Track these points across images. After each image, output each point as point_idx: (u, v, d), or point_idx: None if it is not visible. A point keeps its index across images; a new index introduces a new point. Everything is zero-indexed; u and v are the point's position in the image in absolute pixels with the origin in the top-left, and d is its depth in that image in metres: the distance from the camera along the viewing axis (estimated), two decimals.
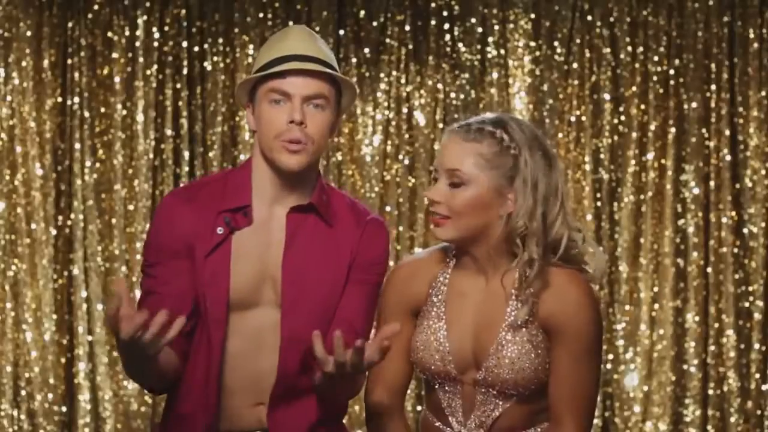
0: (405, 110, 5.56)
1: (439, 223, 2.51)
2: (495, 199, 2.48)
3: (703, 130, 5.53)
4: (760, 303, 5.50)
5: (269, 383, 2.72)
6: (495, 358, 2.50)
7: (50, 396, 5.47)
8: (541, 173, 2.48)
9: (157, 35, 5.50)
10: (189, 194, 2.72)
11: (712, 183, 5.51)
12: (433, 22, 5.54)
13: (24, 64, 5.45)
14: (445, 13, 5.54)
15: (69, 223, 5.50)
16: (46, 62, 5.47)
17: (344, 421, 2.88)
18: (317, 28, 5.38)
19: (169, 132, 5.51)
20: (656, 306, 5.52)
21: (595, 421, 5.48)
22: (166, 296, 2.67)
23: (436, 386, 2.61)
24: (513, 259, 2.53)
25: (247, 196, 2.69)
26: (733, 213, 5.51)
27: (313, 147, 2.64)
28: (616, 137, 5.54)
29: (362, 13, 5.55)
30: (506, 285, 2.54)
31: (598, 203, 5.55)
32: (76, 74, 5.48)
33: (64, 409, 5.49)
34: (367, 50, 5.54)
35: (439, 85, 5.55)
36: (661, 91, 5.53)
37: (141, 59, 5.48)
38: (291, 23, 5.48)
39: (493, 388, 2.52)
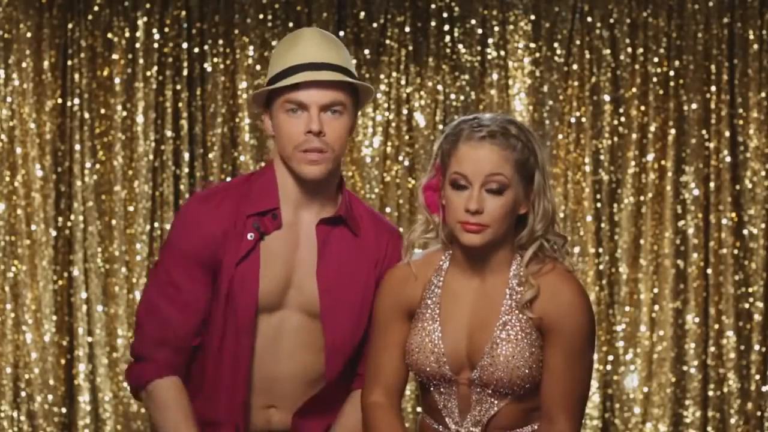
0: (405, 111, 5.56)
1: (478, 230, 2.49)
2: (523, 200, 2.53)
3: (703, 132, 5.53)
4: (760, 304, 5.49)
5: (283, 386, 2.75)
6: (489, 357, 2.51)
7: (50, 397, 5.47)
8: (547, 166, 2.55)
9: (157, 36, 5.50)
10: (215, 200, 2.71)
11: (712, 184, 5.51)
12: (433, 24, 5.54)
13: (24, 65, 5.45)
14: (445, 15, 5.54)
15: (69, 224, 5.50)
16: (46, 63, 5.47)
17: None
18: (312, 27, 5.37)
19: (169, 133, 5.51)
20: (656, 307, 5.52)
21: (595, 422, 5.48)
22: (184, 308, 2.68)
23: (431, 388, 2.62)
24: (512, 257, 2.55)
25: (275, 199, 2.70)
26: (733, 214, 5.51)
27: (333, 154, 2.65)
28: (616, 138, 5.55)
29: (362, 14, 5.55)
30: (502, 284, 2.55)
31: (598, 204, 5.55)
32: (76, 75, 5.48)
33: (64, 410, 5.49)
34: (367, 51, 5.54)
35: (439, 87, 5.55)
36: (660, 92, 5.53)
37: (141, 60, 5.48)
38: (291, 25, 5.48)
39: (488, 388, 2.54)
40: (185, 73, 5.52)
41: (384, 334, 2.65)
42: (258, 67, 5.49)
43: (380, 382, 2.65)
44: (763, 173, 5.49)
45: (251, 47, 5.51)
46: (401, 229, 5.38)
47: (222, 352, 2.71)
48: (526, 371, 2.51)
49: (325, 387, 2.76)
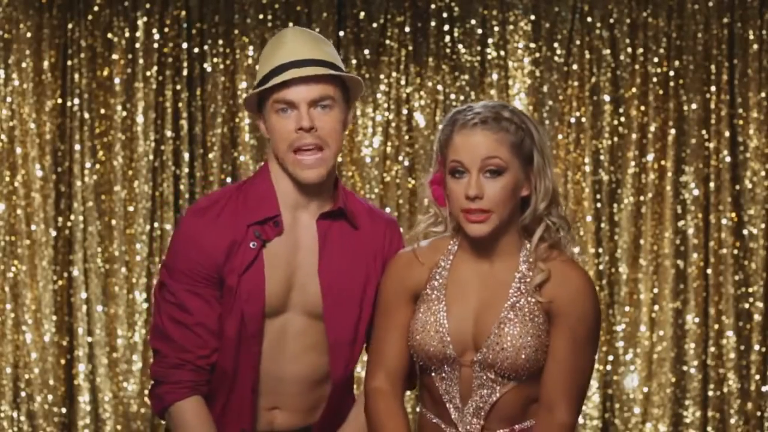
0: (405, 111, 5.56)
1: (482, 219, 2.51)
2: (524, 181, 2.55)
3: (703, 132, 5.53)
4: (759, 304, 5.50)
5: (287, 388, 2.76)
6: (496, 336, 2.52)
7: (50, 397, 5.47)
8: (546, 146, 2.57)
9: (157, 37, 5.50)
10: (213, 212, 2.69)
11: (711, 184, 5.51)
12: (432, 24, 5.54)
13: (24, 65, 5.45)
14: (444, 15, 5.54)
15: (69, 224, 5.50)
16: (46, 64, 5.47)
17: None
18: (317, 30, 5.38)
19: (169, 133, 5.52)
20: (656, 307, 5.52)
21: (595, 422, 5.48)
22: (196, 327, 2.68)
23: (433, 373, 2.62)
24: (521, 241, 2.57)
25: (275, 205, 2.69)
26: (733, 214, 5.51)
27: (328, 152, 2.64)
28: (616, 138, 5.55)
29: (362, 14, 5.55)
30: (511, 268, 2.57)
31: (598, 204, 5.55)
32: (76, 76, 5.48)
33: (63, 410, 5.49)
34: (366, 51, 5.54)
35: (439, 87, 5.55)
36: (660, 92, 5.53)
37: (141, 61, 5.48)
38: (291, 25, 5.48)
39: (492, 370, 2.54)
40: (185, 73, 5.52)
41: (388, 317, 2.65)
42: (257, 67, 5.48)
43: (383, 367, 2.64)
44: (763, 173, 5.49)
45: (251, 47, 5.51)
46: (401, 229, 5.38)
47: (230, 359, 2.71)
48: (532, 353, 2.52)
49: (335, 391, 2.76)
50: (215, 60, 5.52)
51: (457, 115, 2.57)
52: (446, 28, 5.55)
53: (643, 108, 5.54)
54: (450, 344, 2.56)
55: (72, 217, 5.49)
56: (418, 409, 5.33)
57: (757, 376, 5.49)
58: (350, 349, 2.75)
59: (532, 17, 5.53)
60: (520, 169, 2.53)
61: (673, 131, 5.53)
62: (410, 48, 5.55)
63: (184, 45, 5.52)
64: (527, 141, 2.53)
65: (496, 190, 2.50)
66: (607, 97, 5.53)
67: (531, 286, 2.54)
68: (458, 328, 2.56)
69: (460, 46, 5.54)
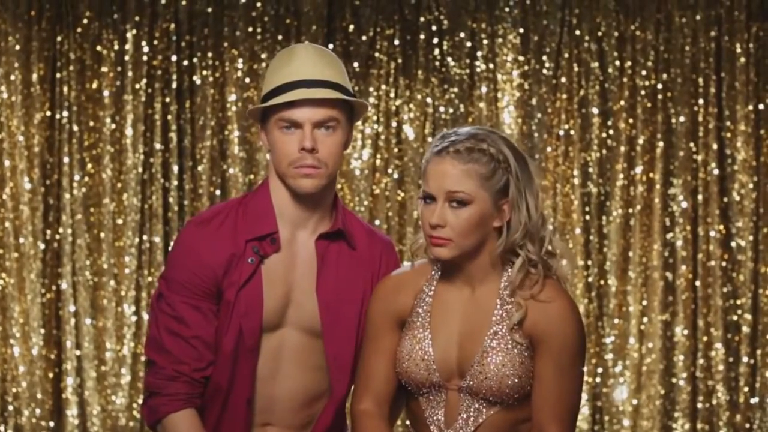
0: (394, 124, 5.57)
1: (442, 244, 2.52)
2: (494, 212, 2.53)
3: (691, 144, 5.55)
4: (748, 316, 5.51)
5: (281, 406, 2.75)
6: (480, 366, 2.52)
7: (38, 411, 5.44)
8: (527, 179, 2.53)
9: (146, 49, 5.50)
10: (213, 225, 2.69)
11: (700, 197, 5.53)
12: (422, 37, 5.55)
13: (12, 77, 5.44)
14: (434, 28, 5.56)
15: (57, 237, 5.48)
16: (34, 76, 5.46)
17: None
18: (306, 43, 5.38)
19: (158, 146, 5.51)
20: (645, 319, 5.53)
21: None
22: (192, 340, 2.68)
23: (420, 397, 2.62)
24: (501, 268, 2.56)
25: (273, 222, 2.69)
26: (721, 227, 5.53)
27: (326, 171, 2.65)
28: (604, 151, 5.57)
29: (351, 27, 5.56)
30: (492, 294, 2.56)
31: (587, 217, 5.56)
32: (65, 88, 5.48)
33: (51, 424, 5.47)
34: (356, 64, 5.55)
35: (428, 99, 5.56)
36: (649, 105, 5.55)
37: (130, 73, 5.48)
38: (280, 38, 5.50)
39: (477, 396, 2.54)
40: (174, 85, 5.52)
41: (375, 341, 2.65)
42: (247, 80, 5.50)
43: (370, 390, 2.65)
44: (751, 186, 5.52)
45: (240, 60, 5.52)
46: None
47: (227, 374, 2.71)
48: (516, 380, 2.52)
49: (331, 409, 2.76)
50: (204, 73, 5.52)
51: (440, 139, 2.56)
52: (435, 41, 5.56)
53: (631, 121, 5.56)
54: (436, 371, 2.56)
55: (60, 229, 5.48)
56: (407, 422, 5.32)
57: (746, 388, 5.50)
58: (351, 368, 2.75)
59: (521, 30, 5.55)
60: (489, 200, 2.51)
61: (661, 144, 5.55)
62: (399, 61, 5.56)
63: (174, 58, 5.52)
64: (499, 173, 2.50)
65: (460, 221, 2.50)
66: (595, 110, 5.55)
67: (510, 324, 2.52)
68: (443, 355, 2.56)
69: (449, 59, 5.56)
